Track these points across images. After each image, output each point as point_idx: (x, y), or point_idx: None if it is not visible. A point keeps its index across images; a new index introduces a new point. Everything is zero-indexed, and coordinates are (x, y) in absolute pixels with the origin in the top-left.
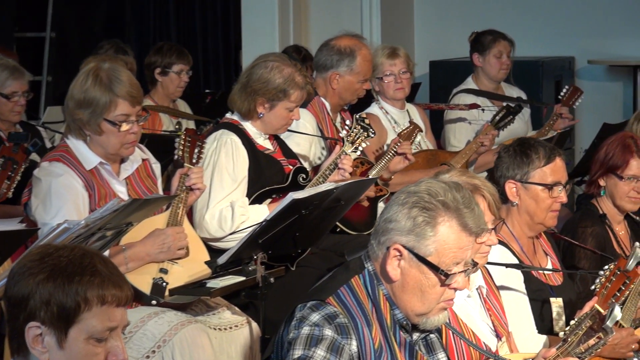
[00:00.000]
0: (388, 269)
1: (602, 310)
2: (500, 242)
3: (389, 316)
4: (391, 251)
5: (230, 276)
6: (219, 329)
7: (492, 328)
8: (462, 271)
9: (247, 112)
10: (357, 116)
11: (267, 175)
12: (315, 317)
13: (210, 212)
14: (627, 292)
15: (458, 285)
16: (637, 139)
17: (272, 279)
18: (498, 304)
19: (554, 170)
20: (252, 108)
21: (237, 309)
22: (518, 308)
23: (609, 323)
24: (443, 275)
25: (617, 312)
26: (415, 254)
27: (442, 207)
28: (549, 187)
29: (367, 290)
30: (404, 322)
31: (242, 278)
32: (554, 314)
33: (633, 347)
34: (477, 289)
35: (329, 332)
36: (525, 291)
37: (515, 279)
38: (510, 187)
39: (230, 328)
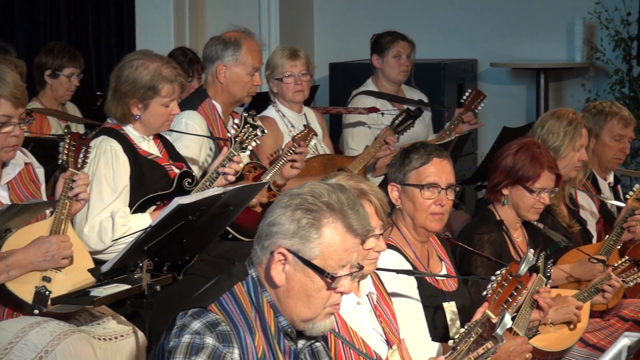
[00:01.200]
0: (272, 274)
1: (493, 317)
2: (394, 248)
3: (273, 324)
4: (275, 255)
5: (115, 284)
6: (104, 339)
7: (383, 335)
8: (348, 274)
9: (123, 117)
10: (246, 114)
11: (150, 181)
12: (196, 325)
13: (89, 224)
14: (520, 298)
15: (344, 288)
16: (542, 148)
17: (158, 287)
18: (389, 310)
19: (430, 170)
20: (127, 112)
21: (122, 318)
22: (410, 314)
23: (498, 331)
24: (329, 278)
25: (507, 320)
26: (300, 258)
27: (326, 209)
28: (422, 187)
29: (250, 298)
30: (289, 330)
31: (127, 286)
32: (448, 320)
33: (527, 356)
34: (367, 295)
35: (210, 340)
36: (418, 297)
37: (408, 285)
38: (392, 190)
39: (116, 338)
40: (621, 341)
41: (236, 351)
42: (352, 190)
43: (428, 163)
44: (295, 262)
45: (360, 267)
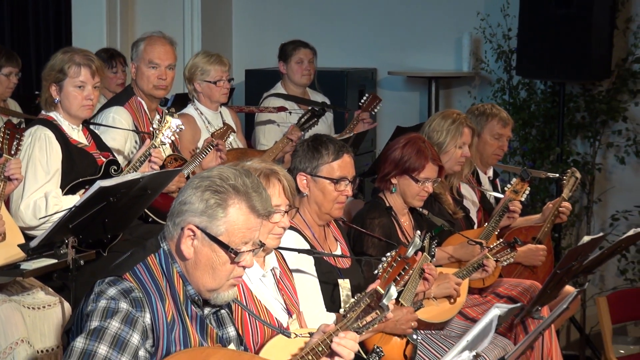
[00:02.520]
0: (182, 248)
1: (380, 290)
2: (294, 229)
3: (181, 292)
4: (185, 231)
5: (43, 259)
6: (33, 307)
7: (284, 306)
8: (250, 250)
9: (47, 104)
10: (166, 109)
11: (80, 167)
12: (112, 291)
13: (24, 202)
14: (407, 277)
15: (246, 263)
16: (427, 142)
17: (82, 262)
18: (290, 284)
19: (341, 166)
20: (48, 96)
21: (50, 290)
22: (308, 289)
23: (385, 301)
24: (233, 253)
25: (393, 291)
26: (208, 234)
27: (232, 191)
28: (335, 181)
29: (162, 268)
30: (196, 298)
31: (54, 261)
32: (343, 295)
33: (412, 324)
34: (271, 270)
35: (124, 305)
36: (315, 274)
37: (307, 262)
38: (301, 179)
39: (44, 307)
40: (493, 311)
41: (148, 315)
42: (264, 169)
43: (339, 159)
44: (203, 237)
45: (262, 245)
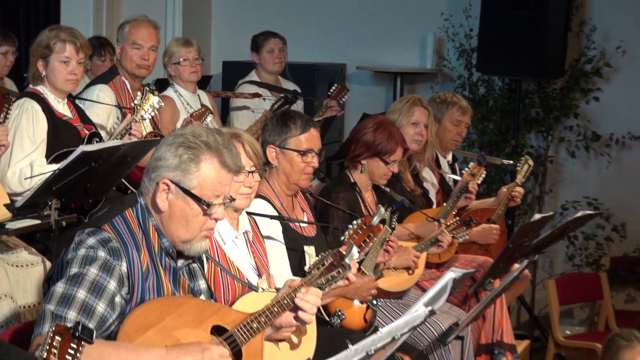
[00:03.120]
0: (157, 201)
1: (343, 251)
2: (264, 198)
3: (156, 244)
4: (160, 185)
5: (27, 220)
6: (16, 265)
7: (255, 267)
8: (221, 203)
9: (35, 78)
10: (147, 87)
11: (64, 138)
12: (91, 240)
13: (11, 170)
14: (371, 244)
15: (217, 215)
16: (395, 126)
17: (64, 223)
18: (262, 248)
19: (308, 139)
20: (35, 71)
21: (33, 250)
22: (277, 253)
23: (347, 260)
24: (205, 205)
25: (355, 251)
26: (181, 187)
27: (204, 147)
28: (302, 153)
29: (138, 221)
30: (170, 250)
31: (37, 221)
32: (309, 262)
33: (373, 292)
34: (244, 233)
35: (102, 253)
36: (283, 240)
37: (275, 229)
38: (270, 152)
39: (27, 266)
40: (449, 274)
41: (124, 264)
42: (228, 133)
43: (306, 132)
44: (177, 191)
45: (232, 199)
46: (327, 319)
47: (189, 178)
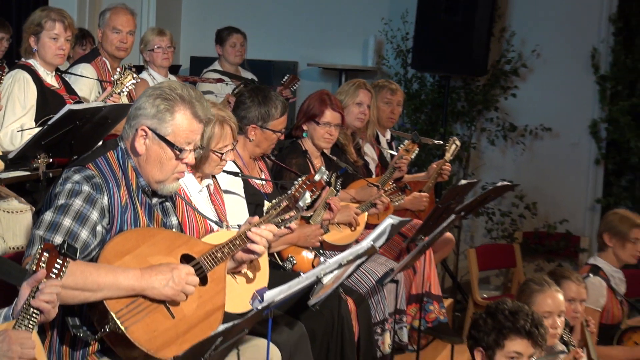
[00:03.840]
0: (136, 146)
1: (297, 195)
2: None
3: (134, 182)
4: (139, 131)
5: (18, 171)
6: (8, 212)
7: (216, 216)
8: (191, 150)
9: (26, 52)
10: (125, 65)
11: (51, 105)
12: (76, 177)
13: (3, 131)
14: (316, 199)
15: (188, 160)
16: (331, 95)
17: (51, 175)
18: (220, 199)
19: (283, 120)
20: (27, 46)
21: (23, 199)
22: (239, 205)
23: (300, 203)
24: (177, 150)
25: (307, 196)
26: (157, 134)
27: (179, 99)
28: (277, 131)
29: (119, 162)
30: (146, 188)
31: (27, 173)
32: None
33: (319, 238)
34: (207, 186)
35: (86, 188)
36: (244, 195)
37: (237, 185)
38: (252, 130)
39: (17, 212)
40: (388, 220)
41: (105, 198)
42: (219, 116)
43: (283, 116)
44: (153, 137)
45: (202, 147)
46: (280, 263)
47: (164, 126)
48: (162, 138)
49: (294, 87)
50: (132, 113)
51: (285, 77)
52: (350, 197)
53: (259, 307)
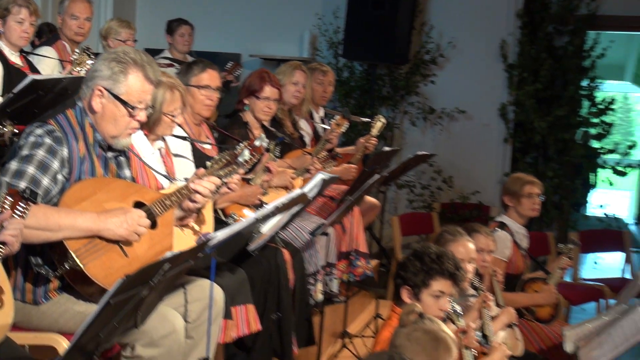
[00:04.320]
0: (93, 104)
1: (237, 153)
2: (178, 125)
3: (91, 137)
4: (95, 91)
5: None
6: None
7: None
8: (143, 108)
9: None
10: (83, 47)
11: (15, 82)
12: (39, 131)
13: None
14: (257, 164)
15: (140, 118)
16: (270, 73)
17: (16, 139)
18: (170, 161)
19: (205, 77)
20: None
21: None
22: (186, 168)
23: (239, 159)
24: (131, 108)
25: (246, 153)
26: (112, 93)
27: (132, 62)
28: (202, 87)
29: (77, 119)
30: (102, 143)
31: None
32: None
33: (259, 197)
34: (159, 149)
35: (48, 140)
36: (192, 158)
37: (186, 149)
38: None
39: None
40: (319, 175)
41: (65, 150)
42: (168, 82)
43: (204, 72)
44: (109, 96)
45: (152, 107)
46: (224, 218)
47: (118, 86)
48: (117, 97)
49: (237, 73)
50: (89, 75)
51: (229, 64)
52: (287, 164)
53: (204, 239)
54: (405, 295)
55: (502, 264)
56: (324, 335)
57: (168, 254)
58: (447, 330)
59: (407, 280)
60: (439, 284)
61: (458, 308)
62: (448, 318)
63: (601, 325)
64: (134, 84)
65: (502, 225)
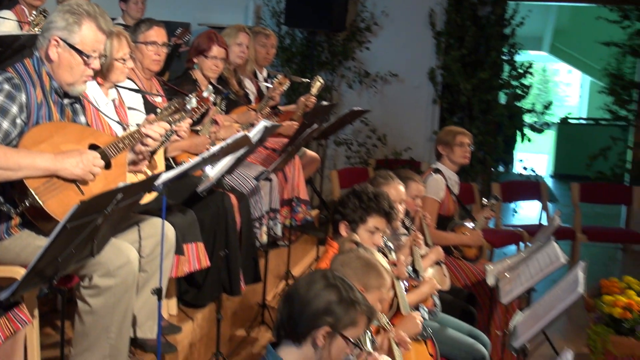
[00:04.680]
0: (49, 53)
1: (183, 101)
2: (130, 79)
3: (48, 85)
4: (51, 41)
5: None
6: None
7: (120, 125)
8: (96, 57)
9: None
10: (40, 9)
11: None
12: None
13: None
14: (205, 115)
15: (94, 66)
16: (217, 34)
17: None
18: (125, 113)
19: (151, 34)
20: None
21: None
22: (138, 120)
23: (187, 106)
24: (85, 57)
25: (194, 100)
26: (67, 43)
27: (85, 14)
28: (148, 44)
29: (34, 67)
30: (59, 90)
31: None
32: None
33: (207, 147)
34: (112, 100)
35: (7, 86)
36: (144, 110)
37: (138, 102)
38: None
39: None
40: (262, 123)
41: (23, 96)
42: (115, 31)
43: (150, 29)
44: (64, 46)
45: (105, 56)
46: (175, 166)
47: (73, 36)
48: (72, 46)
49: (186, 39)
50: (45, 26)
51: (178, 30)
52: (233, 119)
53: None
54: (343, 230)
55: (436, 205)
56: (269, 277)
57: (121, 184)
58: (382, 259)
59: (345, 216)
60: (374, 220)
61: (390, 244)
62: (381, 252)
63: (519, 259)
64: (88, 34)
65: (437, 171)
